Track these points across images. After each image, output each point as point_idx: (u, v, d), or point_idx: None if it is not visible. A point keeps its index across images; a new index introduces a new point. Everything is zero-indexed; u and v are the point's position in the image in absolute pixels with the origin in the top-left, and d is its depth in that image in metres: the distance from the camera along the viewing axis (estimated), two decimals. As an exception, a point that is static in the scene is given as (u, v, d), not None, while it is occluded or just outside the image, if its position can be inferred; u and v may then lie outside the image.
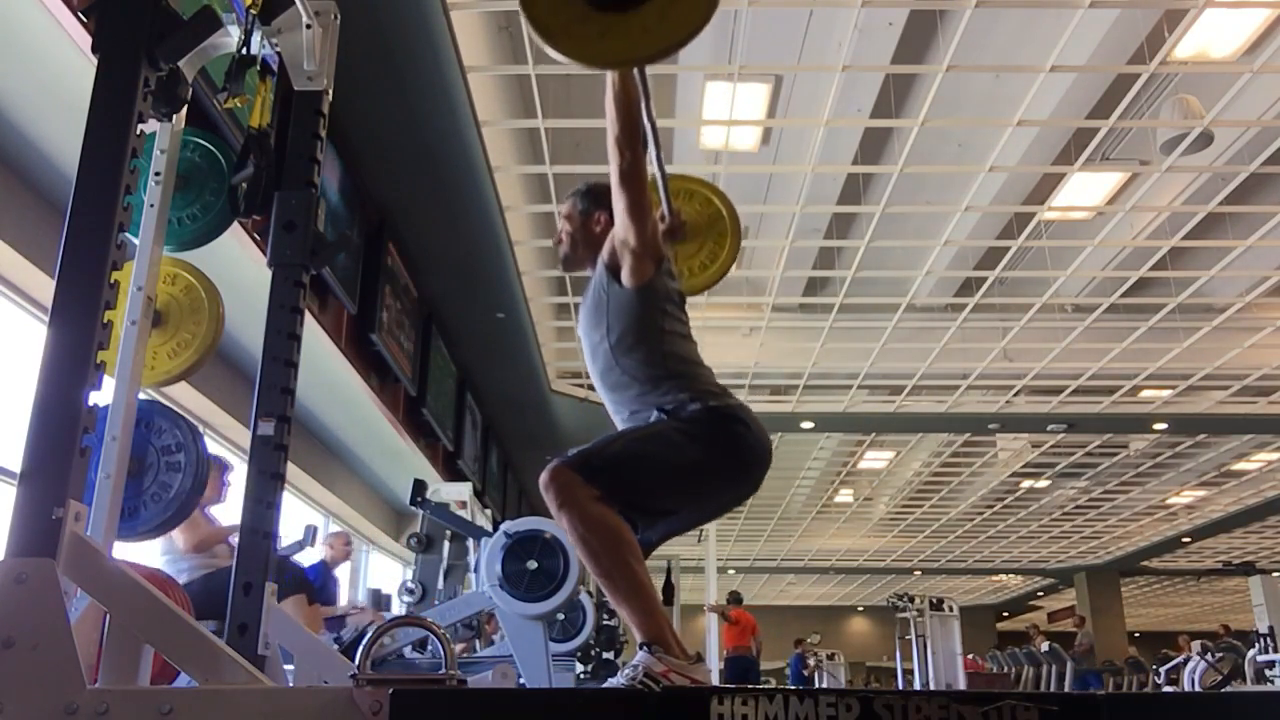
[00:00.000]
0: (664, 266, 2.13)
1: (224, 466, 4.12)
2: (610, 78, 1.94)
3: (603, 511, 1.83)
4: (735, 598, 12.17)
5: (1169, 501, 15.74)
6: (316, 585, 5.30)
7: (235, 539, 3.98)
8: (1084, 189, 7.28)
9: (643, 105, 1.97)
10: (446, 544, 5.51)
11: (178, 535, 3.84)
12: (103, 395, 1.55)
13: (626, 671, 1.73)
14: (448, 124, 5.69)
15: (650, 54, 1.64)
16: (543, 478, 1.85)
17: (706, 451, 1.95)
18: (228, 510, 4.12)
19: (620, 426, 2.10)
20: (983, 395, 10.70)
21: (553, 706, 1.38)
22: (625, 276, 2.07)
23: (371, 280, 6.37)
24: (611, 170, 2.00)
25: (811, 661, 14.61)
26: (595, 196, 2.23)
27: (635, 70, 1.89)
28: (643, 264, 2.06)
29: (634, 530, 1.95)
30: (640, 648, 1.76)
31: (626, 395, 2.07)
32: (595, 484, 1.85)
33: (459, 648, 5.38)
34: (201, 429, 3.71)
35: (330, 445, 7.95)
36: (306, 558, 5.08)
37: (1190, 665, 9.79)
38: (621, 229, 2.04)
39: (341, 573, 6.04)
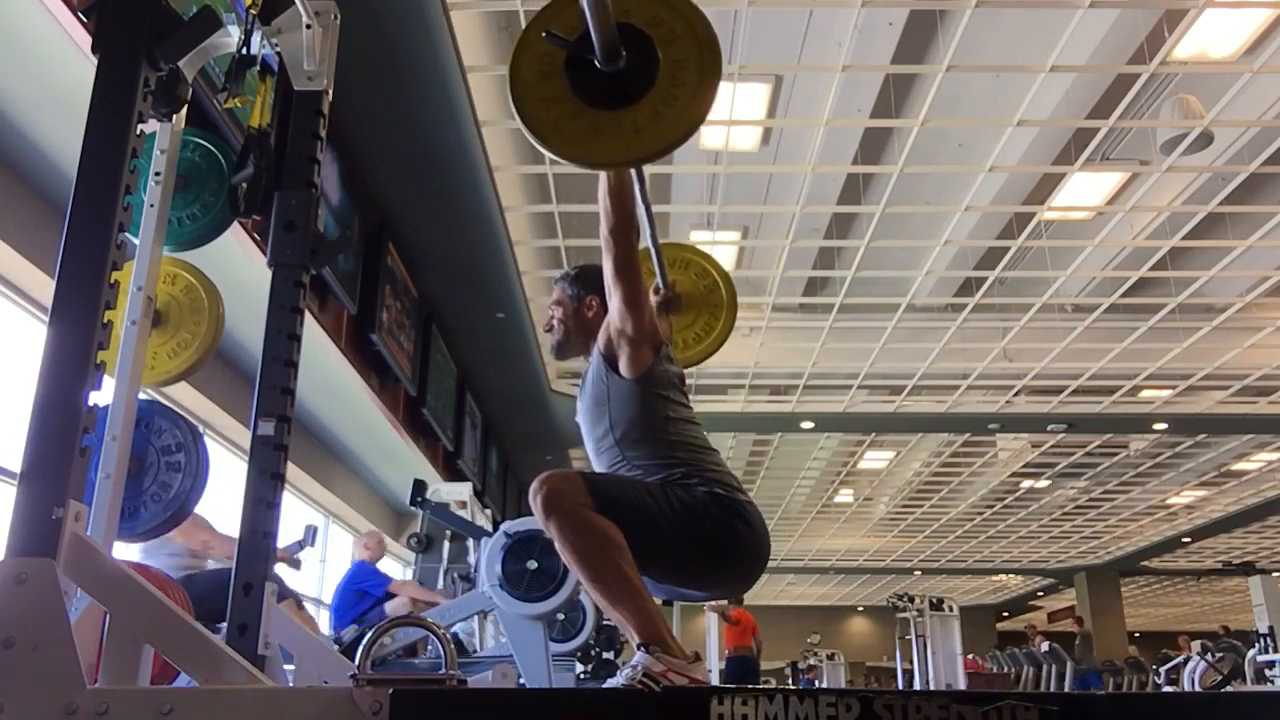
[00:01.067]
0: (663, 352, 2.08)
1: None
2: (604, 173, 1.92)
3: (591, 515, 1.79)
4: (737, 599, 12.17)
5: (1169, 501, 15.74)
6: (366, 584, 5.35)
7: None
8: (1084, 189, 7.28)
9: (637, 190, 1.94)
10: (446, 544, 5.53)
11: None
12: (103, 395, 1.55)
13: (626, 671, 1.73)
14: (448, 124, 5.69)
15: (643, 155, 1.61)
16: (532, 485, 1.81)
17: (699, 529, 1.90)
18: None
19: None
20: (983, 395, 10.70)
21: (553, 706, 1.38)
22: (624, 367, 2.03)
23: (371, 280, 6.37)
24: (605, 263, 1.97)
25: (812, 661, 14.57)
26: (585, 281, 2.19)
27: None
28: (641, 353, 2.02)
29: None
30: (638, 648, 1.76)
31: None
32: (590, 496, 1.81)
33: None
34: (201, 429, 3.71)
35: (330, 445, 7.95)
36: (307, 558, 5.09)
37: (1190, 665, 9.79)
38: (618, 319, 2.00)
39: (385, 566, 6.06)
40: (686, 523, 1.89)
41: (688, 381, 2.22)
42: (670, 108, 1.56)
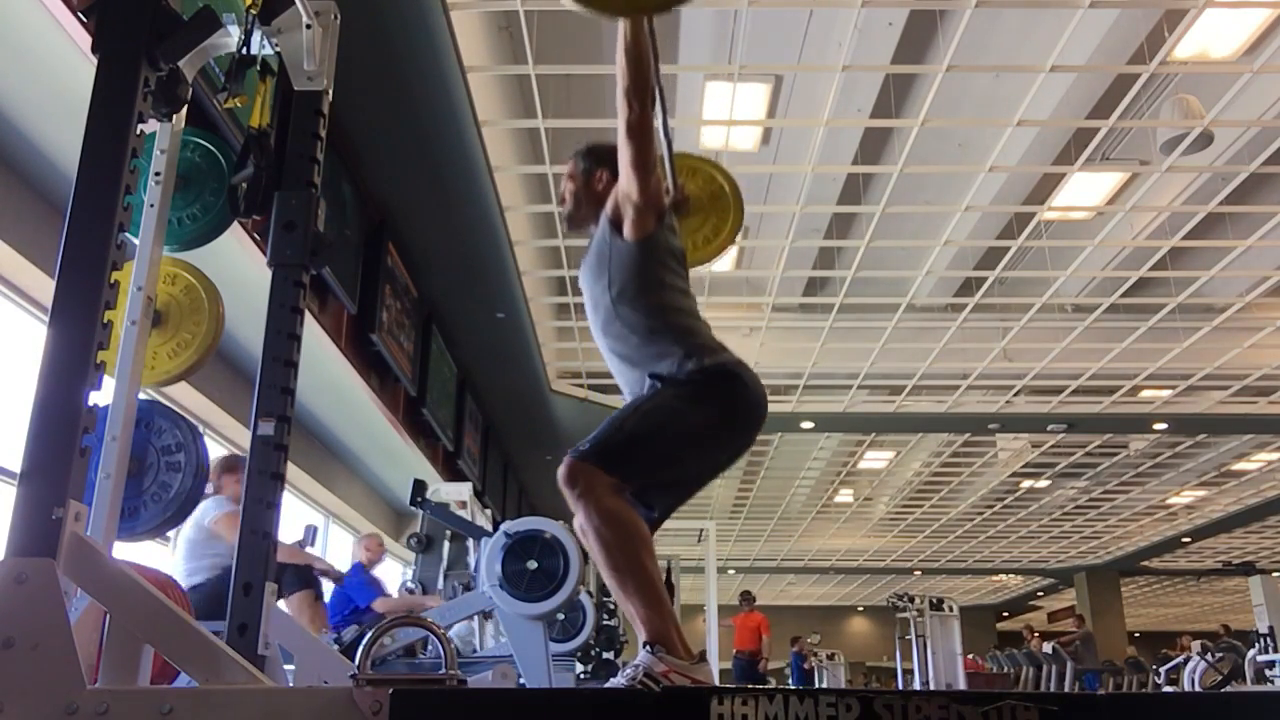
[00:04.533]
0: (666, 222, 2.16)
1: (238, 463, 4.15)
2: (621, 29, 1.96)
3: (620, 505, 1.85)
4: (747, 598, 12.25)
5: (1169, 501, 15.74)
6: (352, 590, 5.37)
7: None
8: (1084, 189, 7.28)
9: (652, 65, 2.00)
10: (446, 544, 5.52)
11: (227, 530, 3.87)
12: (103, 395, 1.55)
13: (627, 671, 1.73)
14: (448, 124, 5.69)
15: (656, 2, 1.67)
16: (561, 472, 1.86)
17: (707, 412, 1.98)
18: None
19: (618, 378, 2.14)
20: (983, 395, 10.70)
21: (553, 706, 1.38)
22: (627, 230, 2.10)
23: (371, 280, 6.37)
24: (619, 123, 2.03)
25: (812, 661, 14.61)
26: (597, 155, 2.26)
27: (646, 26, 1.94)
28: (645, 217, 2.09)
29: (649, 510, 1.98)
30: (643, 647, 1.76)
31: (625, 347, 2.10)
32: (614, 472, 1.87)
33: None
34: (201, 429, 3.71)
35: (330, 445, 7.95)
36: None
37: (1190, 665, 9.79)
38: (625, 182, 2.07)
39: (382, 572, 6.06)
40: (693, 413, 1.97)
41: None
42: None
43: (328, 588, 5.14)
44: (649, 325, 2.07)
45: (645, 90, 2.01)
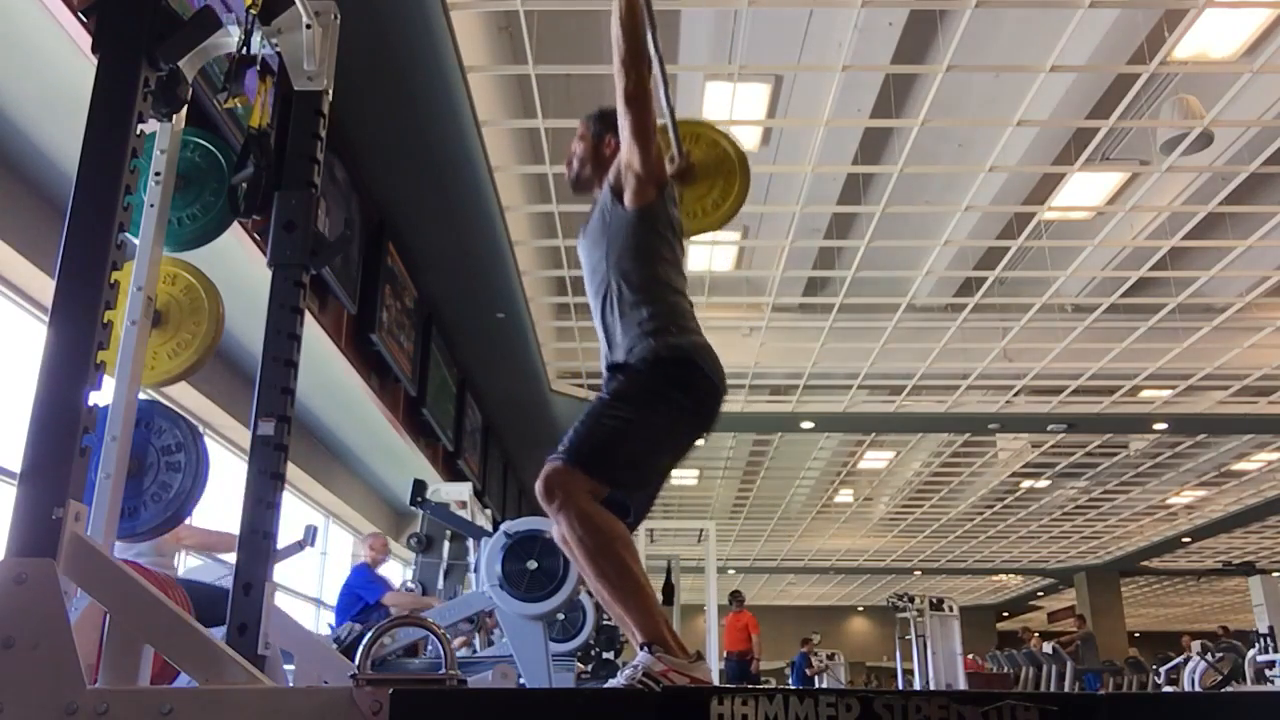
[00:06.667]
0: (666, 192, 2.19)
1: None
2: (615, 1, 2.00)
3: (598, 511, 1.85)
4: (736, 598, 12.24)
5: (1169, 501, 15.74)
6: (360, 589, 5.38)
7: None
8: (1084, 189, 7.27)
9: (649, 35, 2.02)
10: (446, 544, 5.52)
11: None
12: (103, 395, 1.55)
13: (627, 671, 1.73)
14: (448, 124, 5.69)
15: None
16: (539, 483, 1.88)
17: (670, 399, 2.00)
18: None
19: (601, 338, 2.16)
20: (983, 395, 10.70)
21: (553, 706, 1.38)
22: (628, 199, 2.13)
23: (371, 280, 6.37)
24: (618, 93, 2.05)
25: (815, 663, 14.55)
26: (608, 120, 2.27)
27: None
28: (645, 187, 2.12)
29: (624, 512, 1.98)
30: (640, 648, 1.76)
31: (612, 314, 2.12)
32: (594, 476, 1.88)
33: (458, 642, 5.40)
34: (201, 429, 3.71)
35: (330, 445, 7.95)
36: (307, 558, 5.10)
37: (1190, 665, 9.79)
38: (626, 151, 2.10)
39: (386, 571, 6.06)
40: (658, 402, 2.00)
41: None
42: None
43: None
44: (638, 292, 2.10)
45: (641, 59, 2.03)
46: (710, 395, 2.06)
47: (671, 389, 2.01)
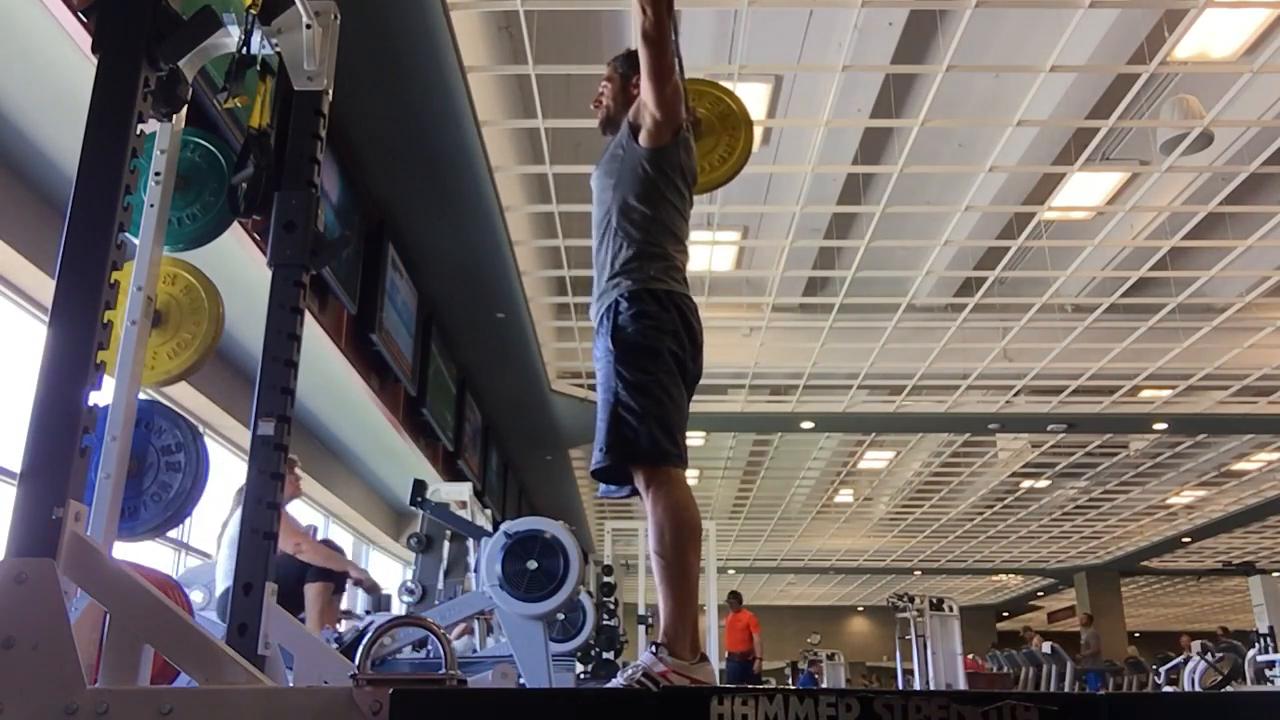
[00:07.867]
0: (681, 137, 2.22)
1: (293, 461, 4.21)
2: None
3: (690, 501, 1.95)
4: (735, 598, 12.23)
5: (1169, 501, 15.74)
6: None
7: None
8: (1084, 189, 7.28)
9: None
10: (446, 544, 5.52)
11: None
12: (103, 395, 1.55)
13: (627, 671, 1.73)
14: (448, 124, 5.69)
15: None
16: (642, 481, 1.96)
17: (662, 326, 2.06)
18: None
19: (594, 271, 2.21)
20: (983, 395, 10.70)
21: (553, 706, 1.38)
22: (643, 137, 2.18)
23: (371, 280, 6.37)
24: (635, 31, 2.08)
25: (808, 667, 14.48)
26: (635, 60, 2.29)
27: None
28: (661, 129, 2.16)
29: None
30: (649, 647, 1.77)
31: (609, 248, 2.16)
32: (676, 452, 1.95)
33: (458, 630, 5.40)
34: (201, 429, 3.71)
35: (330, 445, 7.95)
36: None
37: (1190, 665, 9.78)
38: (644, 90, 2.13)
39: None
40: (653, 329, 2.06)
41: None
42: None
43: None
44: (638, 229, 2.14)
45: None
46: (688, 308, 2.12)
47: (663, 312, 2.06)
